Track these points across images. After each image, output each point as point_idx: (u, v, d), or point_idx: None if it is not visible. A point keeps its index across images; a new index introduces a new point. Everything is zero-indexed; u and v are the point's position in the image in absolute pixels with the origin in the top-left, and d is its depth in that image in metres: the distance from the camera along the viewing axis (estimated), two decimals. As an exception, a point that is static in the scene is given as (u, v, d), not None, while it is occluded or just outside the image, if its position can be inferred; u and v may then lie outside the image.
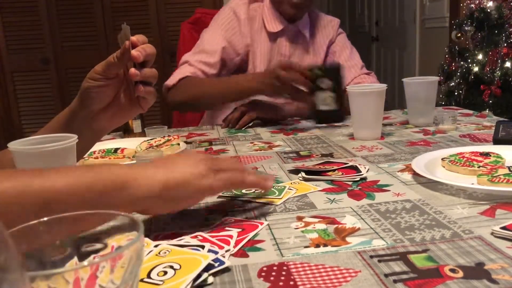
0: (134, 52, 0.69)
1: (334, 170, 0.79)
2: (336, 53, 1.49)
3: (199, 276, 0.46)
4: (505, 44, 2.29)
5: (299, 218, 0.61)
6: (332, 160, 0.88)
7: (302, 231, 0.57)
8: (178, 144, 1.02)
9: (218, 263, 0.48)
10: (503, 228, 0.53)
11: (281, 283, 0.45)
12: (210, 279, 0.46)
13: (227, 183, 0.60)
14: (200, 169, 0.57)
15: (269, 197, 0.69)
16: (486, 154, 0.79)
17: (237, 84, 1.27)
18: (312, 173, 0.79)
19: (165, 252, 0.50)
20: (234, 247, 0.53)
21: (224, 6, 1.47)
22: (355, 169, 0.79)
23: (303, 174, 0.79)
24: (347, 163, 0.83)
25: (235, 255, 0.52)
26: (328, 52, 1.51)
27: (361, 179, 0.75)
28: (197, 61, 1.36)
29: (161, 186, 0.54)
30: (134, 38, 0.71)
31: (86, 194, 0.50)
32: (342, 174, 0.78)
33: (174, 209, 0.60)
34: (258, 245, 0.54)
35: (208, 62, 1.37)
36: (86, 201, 0.50)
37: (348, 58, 1.48)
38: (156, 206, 0.56)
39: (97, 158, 0.94)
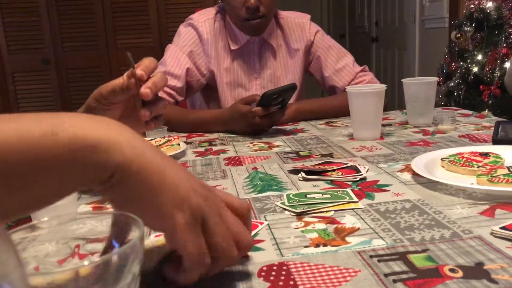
0: (143, 90, 0.67)
1: (334, 170, 0.80)
2: (321, 58, 1.43)
3: None
4: (505, 45, 2.29)
5: (299, 218, 0.61)
6: (332, 160, 0.89)
7: (302, 231, 0.57)
8: (178, 144, 1.02)
9: None
10: (503, 228, 0.53)
11: (281, 283, 0.45)
12: None
13: (198, 254, 0.41)
14: (191, 195, 0.41)
15: (343, 202, 0.65)
16: (486, 154, 0.79)
17: (208, 127, 1.24)
18: (312, 173, 0.79)
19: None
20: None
21: (185, 24, 1.40)
22: (355, 169, 0.79)
23: (303, 174, 0.79)
24: (347, 163, 0.83)
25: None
26: (311, 57, 1.45)
27: (361, 179, 0.76)
28: None
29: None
30: (140, 72, 0.68)
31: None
32: (342, 174, 0.78)
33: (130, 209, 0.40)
34: (258, 245, 0.54)
35: (174, 86, 1.32)
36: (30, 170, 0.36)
37: (336, 60, 1.42)
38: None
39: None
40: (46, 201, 0.38)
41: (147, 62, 0.71)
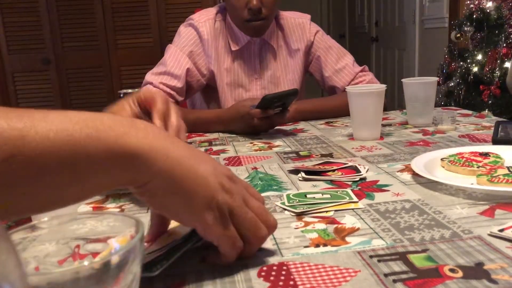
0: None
1: (333, 170, 0.80)
2: (321, 58, 1.43)
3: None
4: (505, 45, 2.29)
5: (299, 218, 0.61)
6: (331, 160, 0.89)
7: (302, 231, 0.57)
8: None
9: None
10: (501, 230, 0.53)
11: (281, 283, 0.45)
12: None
13: (232, 243, 0.47)
14: (216, 190, 0.45)
15: (343, 202, 0.65)
16: (486, 154, 0.79)
17: (208, 127, 1.24)
18: (312, 173, 0.79)
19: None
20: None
21: (185, 24, 1.40)
22: (355, 169, 0.80)
23: (302, 174, 0.79)
24: (347, 163, 0.83)
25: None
26: (311, 57, 1.45)
27: (361, 179, 0.76)
28: (163, 84, 1.30)
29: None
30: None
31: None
32: (342, 174, 0.78)
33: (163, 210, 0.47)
34: (258, 245, 0.54)
35: (174, 86, 1.31)
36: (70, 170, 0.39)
37: (336, 60, 1.42)
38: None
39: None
40: (83, 198, 0.43)
41: (161, 106, 0.61)
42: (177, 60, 1.34)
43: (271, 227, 0.50)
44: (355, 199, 0.66)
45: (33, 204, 0.40)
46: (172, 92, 1.32)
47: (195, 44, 1.36)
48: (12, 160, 0.36)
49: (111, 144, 0.40)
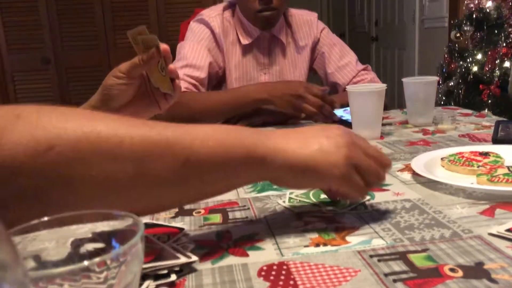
0: (172, 66, 0.76)
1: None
2: (325, 54, 1.44)
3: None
4: (504, 44, 2.29)
5: (299, 218, 0.61)
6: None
7: (302, 231, 0.57)
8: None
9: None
10: (508, 230, 0.53)
11: (281, 283, 0.45)
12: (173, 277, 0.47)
13: (360, 192, 0.58)
14: (339, 156, 0.53)
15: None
16: (486, 154, 0.79)
17: (247, 96, 1.23)
18: None
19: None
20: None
21: (196, 20, 1.41)
22: None
23: None
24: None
25: (235, 254, 0.52)
26: (316, 54, 1.47)
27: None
28: (187, 76, 1.31)
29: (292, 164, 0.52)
30: (165, 46, 0.74)
31: (224, 164, 0.49)
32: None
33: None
34: (258, 244, 0.54)
35: (198, 77, 1.32)
36: (223, 170, 0.50)
37: (340, 57, 1.44)
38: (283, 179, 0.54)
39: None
40: (224, 192, 0.54)
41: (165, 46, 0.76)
42: (197, 52, 1.35)
43: (387, 166, 0.58)
44: (366, 197, 0.66)
45: (188, 198, 0.52)
46: (196, 83, 1.32)
47: (210, 38, 1.38)
48: (188, 163, 0.47)
49: (251, 150, 0.50)
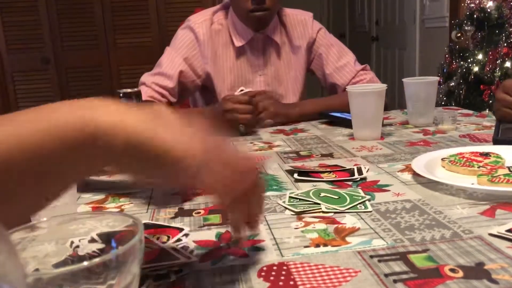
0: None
1: (329, 172, 0.79)
2: (322, 55, 1.44)
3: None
4: (505, 44, 2.29)
5: (299, 218, 0.61)
6: (328, 163, 0.88)
7: (302, 231, 0.57)
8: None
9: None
10: (508, 231, 0.53)
11: (281, 283, 0.45)
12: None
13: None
14: (194, 146, 0.42)
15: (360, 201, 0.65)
16: (486, 154, 0.79)
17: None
18: (304, 174, 0.78)
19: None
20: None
21: (183, 26, 1.42)
22: (350, 172, 0.79)
23: (295, 175, 0.78)
24: (345, 167, 0.82)
25: (235, 254, 0.52)
26: (313, 55, 1.46)
27: (361, 179, 0.75)
28: (155, 84, 1.32)
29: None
30: None
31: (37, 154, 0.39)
32: (336, 176, 0.77)
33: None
34: (258, 245, 0.54)
35: (166, 86, 1.33)
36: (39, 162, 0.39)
37: (338, 57, 1.43)
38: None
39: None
40: (74, 182, 0.49)
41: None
42: (171, 61, 1.36)
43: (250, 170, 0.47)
44: (367, 197, 0.66)
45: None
46: (164, 92, 1.34)
47: (191, 45, 1.37)
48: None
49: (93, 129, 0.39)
